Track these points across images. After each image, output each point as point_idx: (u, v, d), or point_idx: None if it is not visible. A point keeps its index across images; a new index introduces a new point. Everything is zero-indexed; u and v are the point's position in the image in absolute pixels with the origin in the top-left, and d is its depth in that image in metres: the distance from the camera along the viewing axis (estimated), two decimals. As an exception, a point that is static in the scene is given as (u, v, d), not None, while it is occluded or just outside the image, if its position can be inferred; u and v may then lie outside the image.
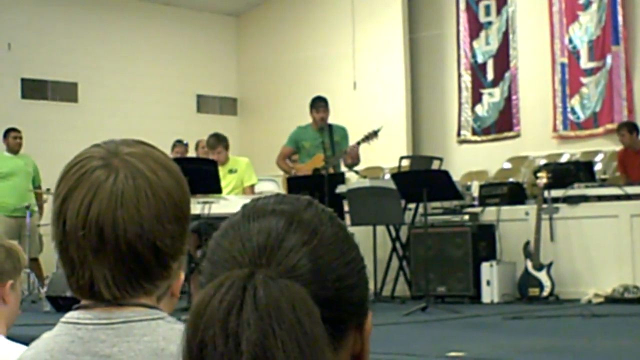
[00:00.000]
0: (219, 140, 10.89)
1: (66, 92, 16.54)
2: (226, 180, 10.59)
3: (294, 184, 10.38)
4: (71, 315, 1.62)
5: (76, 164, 1.63)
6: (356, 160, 10.84)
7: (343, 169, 11.07)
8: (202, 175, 9.76)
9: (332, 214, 1.30)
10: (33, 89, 16.15)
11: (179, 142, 13.60)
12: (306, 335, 1.08)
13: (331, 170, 10.62)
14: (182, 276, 1.77)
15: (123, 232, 1.57)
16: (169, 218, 1.63)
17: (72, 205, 1.59)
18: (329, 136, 10.85)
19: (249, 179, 10.81)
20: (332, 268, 1.23)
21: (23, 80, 16.04)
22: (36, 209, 12.24)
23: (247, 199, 9.75)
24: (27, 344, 1.71)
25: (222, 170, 10.61)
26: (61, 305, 9.61)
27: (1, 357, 2.89)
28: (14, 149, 12.58)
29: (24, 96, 16.02)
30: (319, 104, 10.97)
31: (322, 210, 1.30)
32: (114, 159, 1.63)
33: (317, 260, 1.22)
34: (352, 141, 10.87)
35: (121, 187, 1.59)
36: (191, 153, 13.01)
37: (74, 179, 1.61)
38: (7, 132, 12.70)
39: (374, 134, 10.58)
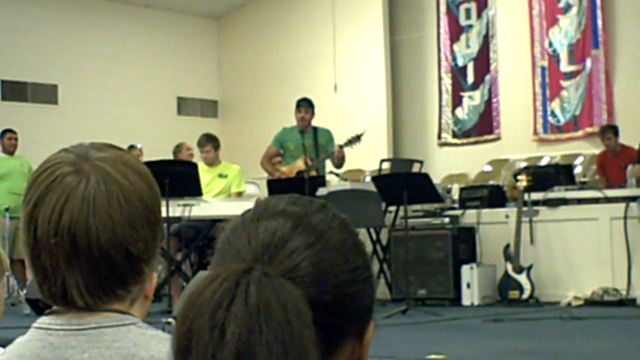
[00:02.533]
0: (208, 139, 10.89)
1: (46, 94, 16.50)
2: (214, 184, 10.58)
3: (275, 186, 10.37)
4: (43, 321, 1.61)
5: (46, 170, 1.61)
6: (342, 162, 10.85)
7: (329, 170, 11.08)
8: (183, 177, 9.75)
9: (344, 220, 1.30)
10: (13, 90, 16.11)
11: (132, 146, 13.56)
12: (293, 336, 1.08)
13: (314, 173, 10.62)
14: (155, 278, 1.76)
15: (96, 238, 1.56)
16: (141, 223, 1.62)
17: (44, 211, 1.57)
18: (314, 139, 10.85)
19: (237, 187, 10.80)
20: (334, 273, 1.22)
21: (3, 82, 16.00)
22: None
23: (228, 202, 9.73)
24: (4, 347, 1.70)
25: (211, 173, 10.60)
26: (41, 308, 9.57)
27: None
28: (9, 150, 12.57)
29: (3, 98, 15.98)
30: (301, 104, 10.99)
31: (334, 215, 1.30)
32: (84, 164, 1.60)
33: (319, 264, 1.21)
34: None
35: (93, 193, 1.57)
36: (172, 155, 12.96)
37: (44, 185, 1.58)
38: (3, 133, 12.68)
39: (357, 138, 10.58)
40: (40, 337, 1.58)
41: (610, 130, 12.20)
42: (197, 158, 11.49)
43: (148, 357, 1.55)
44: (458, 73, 16.00)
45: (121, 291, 1.61)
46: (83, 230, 1.55)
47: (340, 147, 10.63)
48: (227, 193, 10.69)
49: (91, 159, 1.61)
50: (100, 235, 1.56)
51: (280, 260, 1.20)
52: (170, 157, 12.28)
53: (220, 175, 10.73)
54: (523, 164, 13.73)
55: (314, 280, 1.20)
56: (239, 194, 10.77)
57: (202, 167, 10.31)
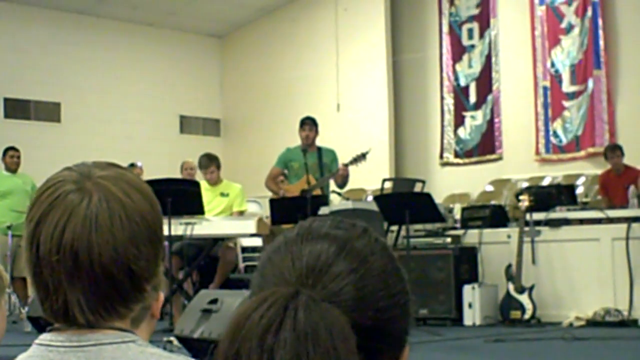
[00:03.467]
0: (210, 160, 10.90)
1: (49, 112, 16.52)
2: (215, 202, 10.58)
3: (278, 205, 10.37)
4: (44, 338, 1.62)
5: (48, 188, 1.62)
6: (346, 181, 10.84)
7: (331, 190, 11.07)
8: (186, 196, 9.75)
9: (385, 244, 1.31)
10: (16, 108, 16.13)
11: (133, 165, 13.55)
12: None
13: (318, 192, 10.62)
14: (162, 297, 1.77)
15: (98, 256, 1.57)
16: (143, 240, 1.63)
17: (46, 229, 1.58)
18: (318, 158, 10.85)
19: (239, 206, 10.80)
20: (375, 299, 1.24)
21: (6, 99, 16.02)
22: None
23: (230, 221, 9.72)
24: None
25: (213, 192, 10.60)
26: (43, 325, 9.52)
27: None
28: (12, 168, 12.57)
29: (6, 115, 16.00)
30: (305, 122, 10.99)
31: (376, 240, 1.30)
32: (87, 182, 1.62)
33: (362, 289, 1.23)
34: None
35: (95, 211, 1.58)
36: (176, 174, 12.96)
37: (47, 203, 1.59)
38: (5, 151, 12.69)
39: (363, 156, 10.58)
40: (42, 354, 1.59)
41: (618, 149, 12.20)
42: (198, 177, 11.49)
43: None
44: (460, 93, 16.02)
45: (122, 309, 1.62)
46: (85, 248, 1.56)
47: (346, 165, 10.63)
48: (229, 212, 10.69)
49: (94, 177, 1.63)
50: (102, 252, 1.57)
51: (324, 284, 1.21)
52: (173, 175, 12.27)
53: (222, 194, 10.74)
54: (525, 184, 13.74)
55: (356, 305, 1.21)
56: (241, 213, 10.77)
57: (203, 186, 10.31)
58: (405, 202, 9.86)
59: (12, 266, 11.65)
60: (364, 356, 1.18)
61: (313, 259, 1.23)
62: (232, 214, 10.66)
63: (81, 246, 1.57)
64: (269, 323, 1.10)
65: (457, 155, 16.04)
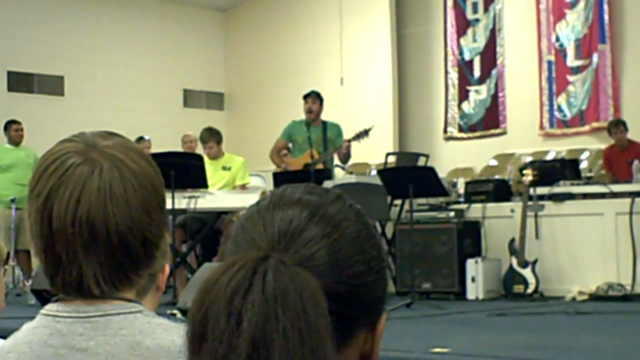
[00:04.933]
0: (211, 135, 10.89)
1: (53, 85, 16.51)
2: (218, 176, 10.58)
3: (281, 179, 10.37)
4: (50, 308, 1.62)
5: (54, 161, 1.61)
6: (348, 157, 10.86)
7: (334, 164, 11.08)
8: (189, 170, 9.75)
9: (359, 210, 1.30)
10: (19, 81, 16.12)
11: (141, 138, 13.55)
12: (309, 325, 1.08)
13: (321, 166, 10.63)
14: (167, 269, 1.77)
15: (114, 225, 1.57)
16: (154, 207, 1.64)
17: (58, 203, 1.58)
18: (322, 132, 10.85)
19: (242, 179, 10.80)
20: (349, 264, 1.23)
21: (9, 73, 16.01)
22: None
23: (233, 194, 9.74)
24: (4, 338, 1.71)
25: (215, 166, 10.60)
26: (46, 298, 9.56)
27: None
28: (16, 141, 12.59)
29: (10, 89, 15.99)
30: (309, 95, 11.00)
31: (350, 205, 1.29)
32: (93, 152, 1.62)
33: (335, 254, 1.21)
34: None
35: (108, 181, 1.59)
36: (179, 148, 12.97)
37: (55, 177, 1.59)
38: (8, 124, 12.70)
39: (365, 132, 10.58)
40: (48, 324, 1.60)
41: (622, 124, 12.20)
42: (199, 150, 11.49)
43: (154, 345, 1.56)
44: (464, 67, 15.98)
45: (135, 277, 1.63)
46: (101, 219, 1.57)
47: (348, 141, 10.63)
48: (232, 185, 10.69)
49: (99, 147, 1.63)
50: (119, 221, 1.58)
51: (296, 249, 1.20)
52: (176, 149, 12.27)
53: (224, 168, 10.74)
54: (529, 159, 13.73)
55: (329, 271, 1.20)
56: (243, 186, 10.78)
57: (205, 160, 10.30)
58: (409, 176, 9.85)
59: (15, 239, 11.69)
60: (339, 323, 1.17)
61: (285, 225, 1.22)
62: (234, 188, 10.66)
63: (97, 217, 1.57)
64: (237, 286, 1.09)
65: (461, 129, 16.02)
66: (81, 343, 1.57)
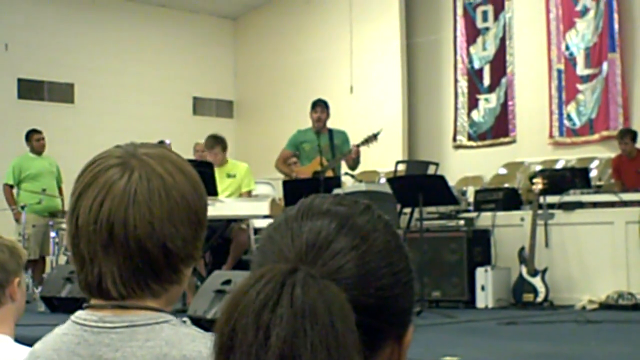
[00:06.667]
0: (216, 141, 10.88)
1: (62, 92, 16.54)
2: (224, 184, 10.58)
3: (290, 187, 10.37)
4: (80, 315, 1.65)
5: (93, 163, 1.67)
6: (357, 162, 10.84)
7: (344, 172, 11.07)
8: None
9: (388, 222, 1.29)
10: (29, 89, 16.15)
11: (161, 142, 13.58)
12: (337, 339, 1.07)
13: (330, 174, 10.62)
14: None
15: (133, 229, 1.59)
16: (181, 220, 1.65)
17: (86, 202, 1.62)
18: (329, 140, 10.85)
19: (247, 185, 10.80)
20: (377, 276, 1.22)
21: (20, 80, 16.04)
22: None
23: (243, 202, 9.72)
24: (21, 343, 1.72)
25: (219, 173, 10.59)
26: (56, 305, 9.59)
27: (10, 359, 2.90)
28: (38, 151, 12.67)
29: (20, 96, 16.02)
30: (317, 104, 11.00)
31: (379, 217, 1.29)
32: (131, 159, 1.66)
33: (363, 267, 1.21)
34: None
35: (134, 186, 1.62)
36: (189, 155, 12.98)
37: (89, 177, 1.64)
38: (30, 133, 12.78)
39: (374, 137, 10.58)
40: (76, 332, 1.61)
41: (629, 135, 12.15)
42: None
43: (180, 356, 1.57)
44: (474, 75, 15.98)
45: (156, 286, 1.64)
46: (121, 221, 1.59)
47: (357, 146, 10.63)
48: (238, 193, 10.68)
49: (138, 154, 1.67)
50: (138, 226, 1.60)
51: (324, 261, 1.19)
52: (186, 156, 12.27)
53: (229, 175, 10.73)
54: (538, 167, 13.71)
55: (357, 283, 1.19)
56: (249, 193, 10.77)
57: (211, 168, 10.29)
58: (419, 184, 9.84)
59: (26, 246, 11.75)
60: (366, 335, 1.17)
61: (313, 236, 1.21)
62: (240, 195, 10.65)
63: (117, 219, 1.60)
64: (266, 299, 1.08)
65: (470, 138, 16.01)
66: (107, 354, 1.58)
